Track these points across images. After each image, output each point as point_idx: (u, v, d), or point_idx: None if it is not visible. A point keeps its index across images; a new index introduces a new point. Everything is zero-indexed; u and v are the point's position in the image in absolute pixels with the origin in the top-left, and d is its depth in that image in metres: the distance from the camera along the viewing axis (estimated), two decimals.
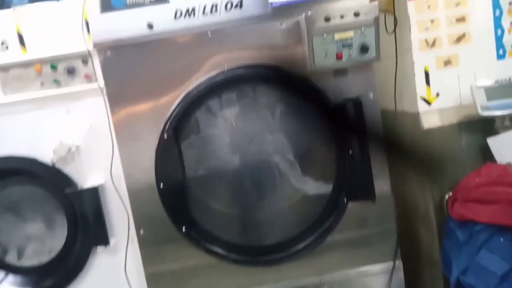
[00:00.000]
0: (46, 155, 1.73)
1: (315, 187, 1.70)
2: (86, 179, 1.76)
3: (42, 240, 1.89)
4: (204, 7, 1.54)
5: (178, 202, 1.62)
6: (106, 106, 1.64)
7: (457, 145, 1.65)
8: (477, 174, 1.53)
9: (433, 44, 1.63)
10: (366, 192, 1.60)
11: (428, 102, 1.66)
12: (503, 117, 1.57)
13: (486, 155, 1.60)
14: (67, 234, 1.79)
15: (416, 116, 1.68)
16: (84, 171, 1.76)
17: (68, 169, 1.76)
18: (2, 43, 1.68)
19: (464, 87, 1.63)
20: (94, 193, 1.73)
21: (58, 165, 1.75)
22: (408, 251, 1.80)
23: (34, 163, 1.74)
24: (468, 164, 1.63)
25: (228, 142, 1.69)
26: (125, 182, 1.62)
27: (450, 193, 1.61)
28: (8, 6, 1.74)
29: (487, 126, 1.61)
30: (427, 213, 1.72)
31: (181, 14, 1.54)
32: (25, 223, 1.89)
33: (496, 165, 1.54)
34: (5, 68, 1.71)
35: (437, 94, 1.65)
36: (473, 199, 1.48)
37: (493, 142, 1.58)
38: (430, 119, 1.66)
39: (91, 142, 1.74)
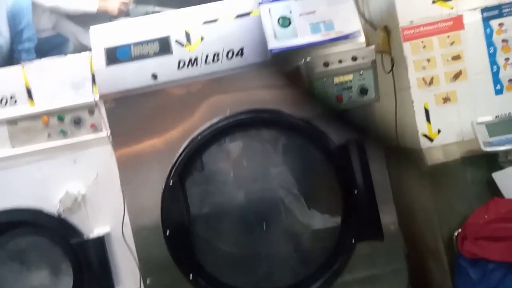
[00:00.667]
0: (52, 205, 1.74)
1: (322, 221, 1.68)
2: (92, 228, 1.76)
3: None
4: (207, 57, 1.59)
5: (185, 249, 1.60)
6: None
7: (463, 180, 1.65)
8: (485, 210, 1.52)
9: (431, 82, 1.66)
10: (373, 231, 1.58)
11: (430, 139, 1.67)
12: (506, 152, 1.58)
13: (493, 189, 1.59)
14: (73, 284, 1.76)
15: (419, 153, 1.68)
16: (90, 220, 1.76)
17: (74, 219, 1.76)
18: (11, 97, 1.73)
19: (465, 123, 1.65)
20: (100, 243, 1.72)
21: (64, 215, 1.75)
22: None
23: (40, 215, 1.74)
24: (475, 199, 1.61)
25: (232, 178, 1.69)
26: (131, 229, 1.61)
27: (459, 230, 1.59)
28: (18, 62, 1.82)
29: (491, 161, 1.61)
30: (437, 250, 1.69)
31: (184, 64, 1.59)
32: (31, 273, 1.86)
33: (504, 200, 1.53)
34: (13, 121, 1.75)
35: (439, 131, 1.67)
36: (484, 237, 1.47)
37: (498, 177, 1.58)
38: (434, 155, 1.66)
39: (97, 191, 1.75)
